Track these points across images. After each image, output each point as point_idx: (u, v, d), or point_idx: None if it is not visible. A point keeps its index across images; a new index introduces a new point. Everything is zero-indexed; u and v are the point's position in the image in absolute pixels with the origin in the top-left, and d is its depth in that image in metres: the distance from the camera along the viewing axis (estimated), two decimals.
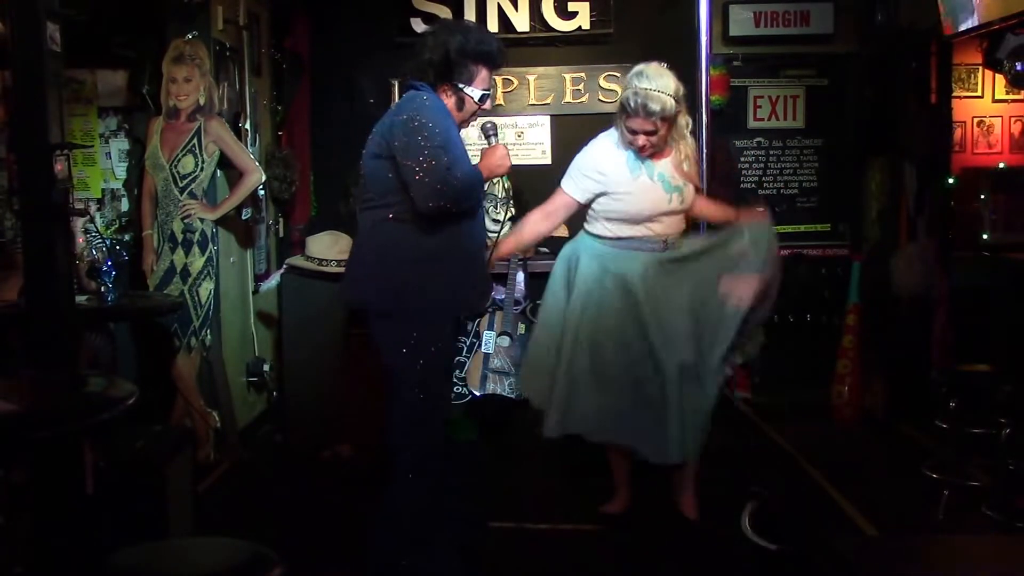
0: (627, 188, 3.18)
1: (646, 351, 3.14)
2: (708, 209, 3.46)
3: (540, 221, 3.33)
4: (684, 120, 3.22)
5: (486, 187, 4.86)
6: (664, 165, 3.21)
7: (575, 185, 3.25)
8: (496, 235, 4.90)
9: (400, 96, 2.88)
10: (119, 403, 1.78)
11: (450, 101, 2.85)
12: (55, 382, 2.10)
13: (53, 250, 2.47)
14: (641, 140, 3.12)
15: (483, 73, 2.87)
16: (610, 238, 3.24)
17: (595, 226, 3.28)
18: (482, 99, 2.89)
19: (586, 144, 3.33)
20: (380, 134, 2.79)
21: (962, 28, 3.71)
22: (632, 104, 3.07)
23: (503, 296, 4.65)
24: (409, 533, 2.85)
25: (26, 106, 2.45)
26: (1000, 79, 5.09)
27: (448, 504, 3.05)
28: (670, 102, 3.06)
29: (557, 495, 3.78)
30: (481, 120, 3.09)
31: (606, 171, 3.20)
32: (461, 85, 2.83)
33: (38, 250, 2.49)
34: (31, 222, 2.51)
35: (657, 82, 3.06)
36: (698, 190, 3.37)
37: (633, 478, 3.45)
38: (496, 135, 3.00)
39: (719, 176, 4.68)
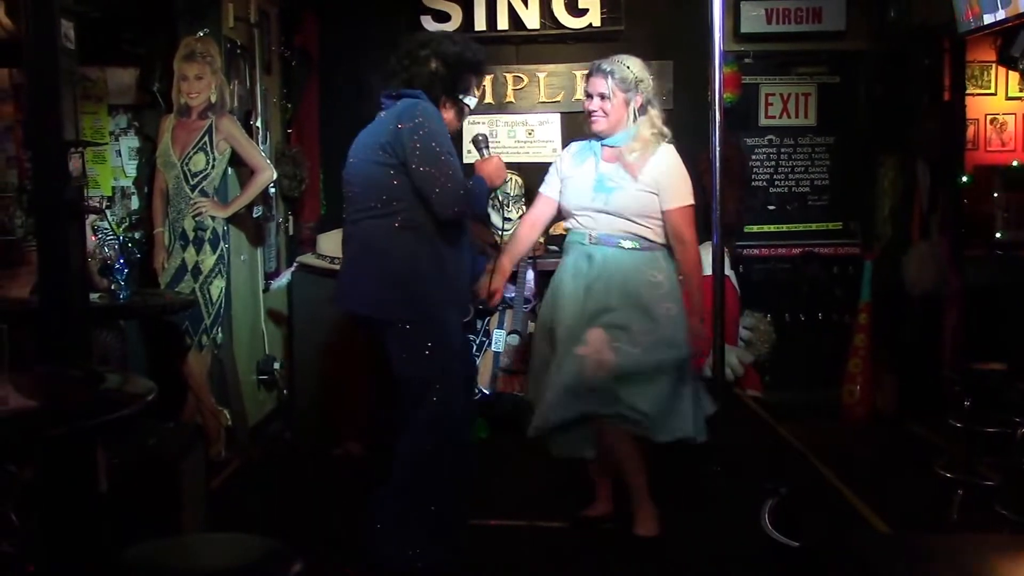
0: (568, 176, 3.26)
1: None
2: (681, 260, 3.18)
3: (528, 229, 3.42)
4: (651, 129, 3.13)
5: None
6: (613, 167, 3.16)
7: (546, 181, 3.37)
8: (507, 232, 4.92)
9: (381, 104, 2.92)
10: (138, 399, 1.78)
11: (450, 113, 2.91)
12: (72, 378, 2.10)
13: (67, 248, 2.47)
14: (594, 103, 3.14)
15: (474, 81, 2.97)
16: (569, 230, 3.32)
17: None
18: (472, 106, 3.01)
19: None
20: (382, 141, 2.78)
21: (988, 21, 3.65)
22: (592, 67, 3.19)
23: (513, 294, 4.65)
24: (414, 529, 2.87)
25: (40, 104, 2.45)
26: (1014, 76, 5.07)
27: (454, 502, 3.06)
28: (627, 73, 3.12)
29: (568, 493, 3.76)
30: (473, 131, 3.17)
31: (562, 162, 3.33)
32: (461, 96, 2.90)
33: (52, 248, 2.48)
34: (45, 220, 2.51)
35: (621, 57, 3.17)
36: (678, 211, 3.13)
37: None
38: (488, 147, 3.01)
39: (729, 175, 4.66)
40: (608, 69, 3.12)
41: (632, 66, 3.15)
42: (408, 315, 2.78)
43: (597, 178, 3.17)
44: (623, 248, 3.15)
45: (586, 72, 3.21)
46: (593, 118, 3.16)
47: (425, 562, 2.87)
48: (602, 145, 3.20)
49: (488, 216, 4.90)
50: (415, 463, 2.86)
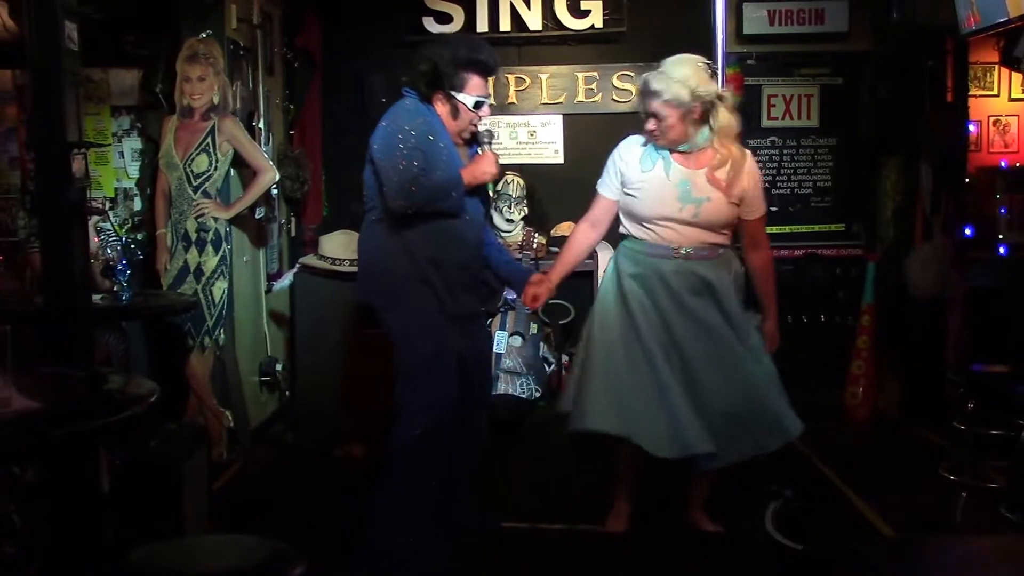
0: (638, 180, 3.08)
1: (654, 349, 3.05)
2: (760, 265, 3.22)
3: (588, 231, 3.22)
4: (726, 120, 3.01)
5: (500, 187, 4.95)
6: (693, 173, 3.04)
7: (604, 182, 3.18)
8: (508, 234, 4.93)
9: None
10: (141, 401, 1.79)
11: (444, 109, 2.93)
12: (74, 380, 2.10)
13: (70, 249, 2.47)
14: (650, 124, 3.03)
15: (475, 80, 2.93)
16: (630, 236, 3.15)
17: (622, 225, 3.20)
18: (477, 105, 2.95)
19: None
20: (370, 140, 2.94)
21: (989, 24, 3.65)
22: (642, 83, 3.06)
23: (515, 296, 4.64)
24: (402, 526, 2.88)
25: (44, 105, 2.45)
26: (1017, 77, 5.06)
27: (450, 502, 3.06)
28: (680, 90, 2.93)
29: (572, 495, 3.76)
30: (483, 127, 3.09)
31: (624, 161, 3.12)
32: (453, 93, 2.90)
33: (55, 249, 2.48)
34: (48, 221, 2.51)
35: (671, 69, 2.99)
36: (759, 220, 3.16)
37: (643, 489, 3.37)
38: (490, 143, 3.02)
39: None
40: (656, 89, 2.94)
41: (683, 76, 2.94)
42: (378, 303, 2.96)
43: (680, 186, 3.02)
44: (708, 259, 3.06)
45: (640, 86, 3.06)
46: (653, 135, 3.04)
47: (427, 561, 2.87)
48: (671, 151, 3.06)
49: (491, 217, 4.92)
50: (397, 455, 2.89)
